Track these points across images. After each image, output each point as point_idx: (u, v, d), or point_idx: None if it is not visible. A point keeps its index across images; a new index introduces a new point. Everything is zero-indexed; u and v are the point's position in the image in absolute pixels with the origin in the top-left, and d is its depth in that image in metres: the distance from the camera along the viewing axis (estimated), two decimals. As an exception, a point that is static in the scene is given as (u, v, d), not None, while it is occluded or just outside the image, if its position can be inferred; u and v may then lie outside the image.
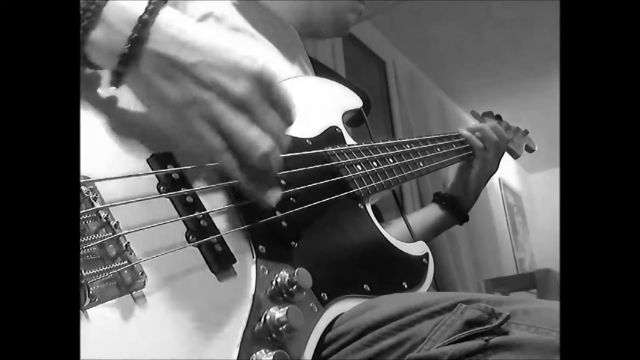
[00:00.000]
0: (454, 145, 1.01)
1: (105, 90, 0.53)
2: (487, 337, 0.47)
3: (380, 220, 0.79)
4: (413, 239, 0.91)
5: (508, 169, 5.25)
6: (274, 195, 0.54)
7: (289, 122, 0.54)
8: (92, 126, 0.50)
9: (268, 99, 0.51)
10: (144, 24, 0.46)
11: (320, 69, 0.99)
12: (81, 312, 0.40)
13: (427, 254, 0.77)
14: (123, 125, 0.52)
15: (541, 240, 5.47)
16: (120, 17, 0.47)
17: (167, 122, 0.51)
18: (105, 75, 0.52)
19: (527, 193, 5.76)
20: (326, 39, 2.50)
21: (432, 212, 1.04)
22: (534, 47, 3.72)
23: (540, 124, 3.50)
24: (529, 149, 1.37)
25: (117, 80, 0.49)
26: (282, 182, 0.62)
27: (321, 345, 0.56)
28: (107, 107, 0.52)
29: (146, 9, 0.47)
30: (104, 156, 0.49)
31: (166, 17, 0.48)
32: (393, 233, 0.76)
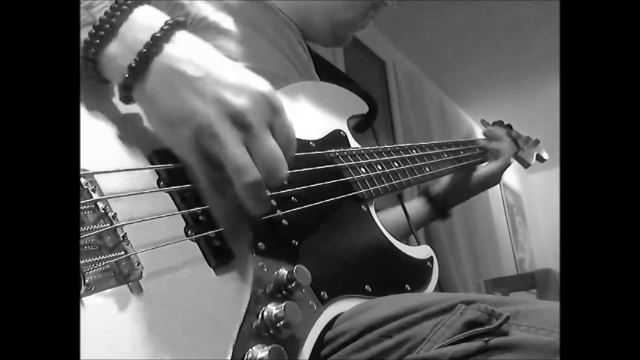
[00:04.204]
0: (461, 152, 1.01)
1: (112, 99, 0.53)
2: (487, 338, 0.47)
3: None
4: (416, 240, 0.91)
5: (508, 169, 5.24)
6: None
7: (288, 156, 0.50)
8: (95, 122, 0.50)
9: (270, 125, 0.49)
10: (155, 40, 0.48)
11: (323, 67, 0.98)
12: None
13: (431, 257, 0.77)
14: (126, 122, 0.52)
15: (541, 240, 5.47)
16: (135, 35, 0.48)
17: (167, 139, 0.50)
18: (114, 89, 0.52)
19: (527, 193, 5.76)
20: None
21: (416, 206, 1.07)
22: (534, 47, 3.72)
23: (541, 123, 3.50)
24: (541, 158, 1.36)
25: (125, 94, 0.49)
26: (284, 181, 0.62)
27: (320, 343, 0.56)
28: (112, 107, 0.53)
29: (161, 28, 0.48)
30: (106, 151, 0.49)
31: (180, 36, 0.49)
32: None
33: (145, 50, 0.47)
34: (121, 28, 0.48)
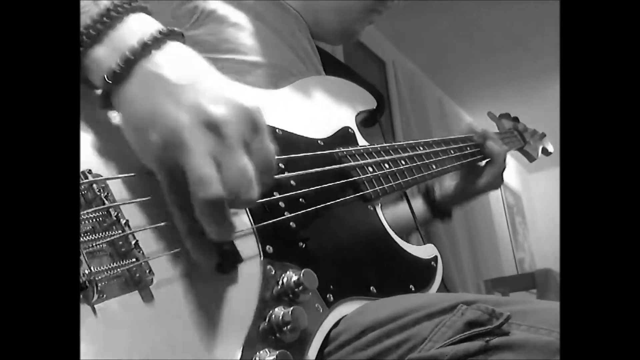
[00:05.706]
0: (468, 148, 1.00)
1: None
2: (487, 338, 0.47)
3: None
4: (422, 239, 0.91)
5: (508, 168, 5.24)
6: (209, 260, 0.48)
7: (264, 181, 0.45)
8: (107, 128, 0.50)
9: (247, 142, 0.44)
10: (144, 46, 0.45)
11: (329, 62, 0.98)
12: (89, 307, 0.41)
13: (436, 257, 0.77)
14: None
15: (541, 240, 5.47)
16: (125, 40, 0.46)
17: (134, 144, 0.46)
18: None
19: (527, 193, 5.76)
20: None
21: (417, 206, 1.04)
22: (534, 47, 3.71)
23: (541, 123, 3.49)
24: (546, 152, 1.36)
25: (103, 98, 0.47)
26: (292, 182, 0.62)
27: (326, 346, 0.56)
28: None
29: (152, 35, 0.46)
30: (117, 156, 0.49)
31: (173, 46, 0.47)
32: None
33: (130, 55, 0.45)
34: (110, 34, 0.46)
